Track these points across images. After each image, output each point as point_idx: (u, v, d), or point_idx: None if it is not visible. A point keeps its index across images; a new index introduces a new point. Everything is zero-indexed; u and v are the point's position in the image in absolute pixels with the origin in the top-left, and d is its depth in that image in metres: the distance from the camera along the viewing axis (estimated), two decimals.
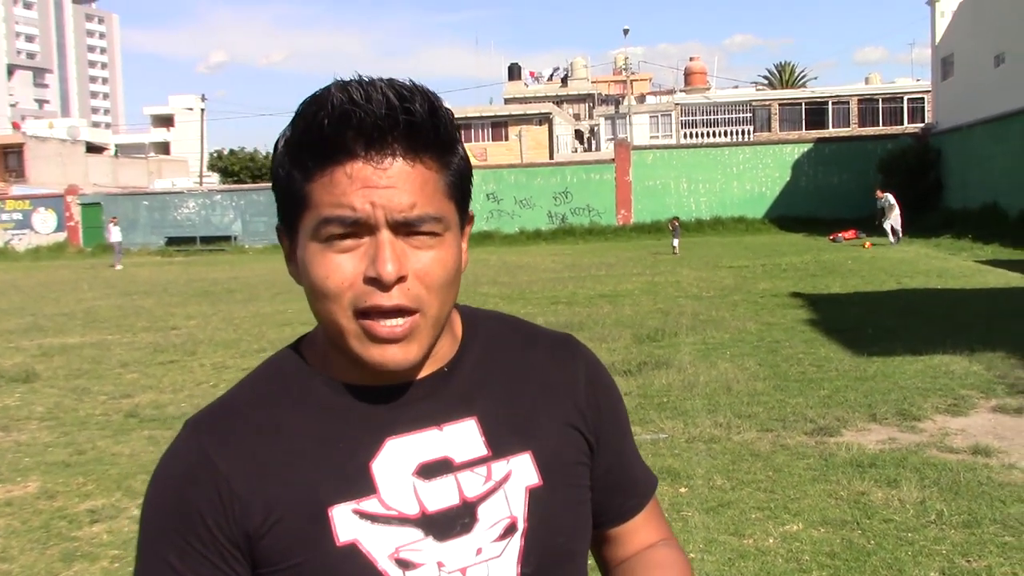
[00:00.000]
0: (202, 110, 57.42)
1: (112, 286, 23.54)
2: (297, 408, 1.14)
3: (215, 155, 50.70)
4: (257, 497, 1.08)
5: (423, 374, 1.15)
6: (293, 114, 1.08)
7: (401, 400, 1.13)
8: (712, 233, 34.57)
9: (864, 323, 11.40)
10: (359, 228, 1.04)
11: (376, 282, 1.03)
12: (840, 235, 27.92)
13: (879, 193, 27.24)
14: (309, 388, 1.15)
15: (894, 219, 26.00)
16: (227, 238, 39.95)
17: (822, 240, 28.07)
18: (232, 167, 48.44)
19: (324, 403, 1.14)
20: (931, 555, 4.52)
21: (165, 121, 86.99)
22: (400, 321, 1.05)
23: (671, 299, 15.08)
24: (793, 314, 12.76)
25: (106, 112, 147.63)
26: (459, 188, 1.11)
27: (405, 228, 1.04)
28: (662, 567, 1.26)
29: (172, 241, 40.17)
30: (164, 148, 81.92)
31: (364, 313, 1.05)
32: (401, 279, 1.04)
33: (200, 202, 40.88)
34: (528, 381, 1.22)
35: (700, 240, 31.67)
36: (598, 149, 52.90)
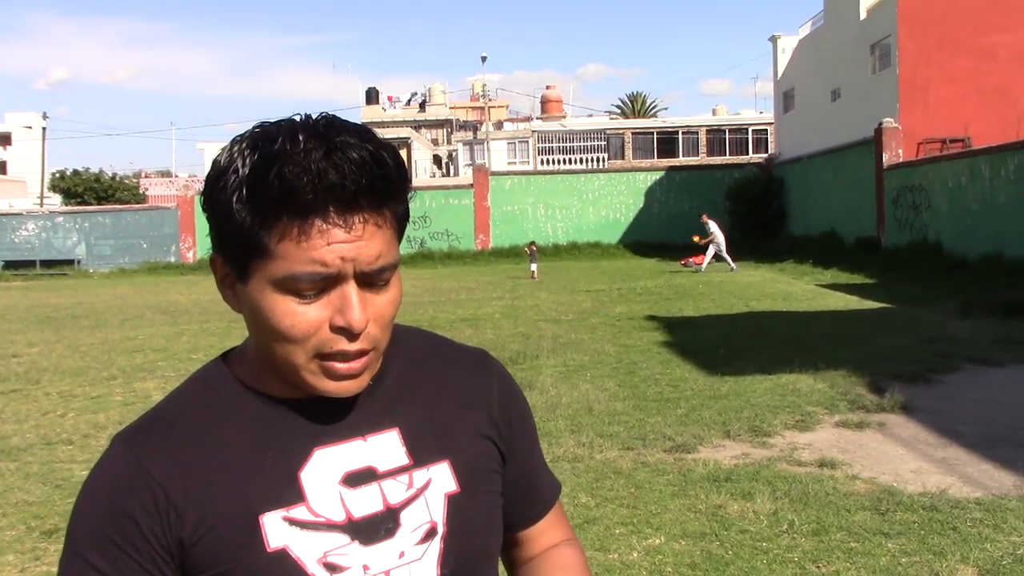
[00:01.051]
0: (43, 128, 54.93)
1: None
2: (227, 419, 1.17)
3: (57, 175, 48.38)
4: (191, 505, 1.11)
5: None
6: (245, 145, 1.07)
7: (328, 413, 1.18)
8: (569, 258, 35.23)
9: (716, 344, 11.84)
10: (327, 281, 1.07)
11: (344, 331, 1.09)
12: (691, 260, 28.80)
13: (704, 218, 27.36)
14: (240, 400, 1.19)
15: (719, 246, 26.00)
16: (70, 262, 38.24)
17: (674, 265, 28.98)
18: (75, 188, 46.33)
19: (254, 415, 1.17)
20: (784, 562, 4.75)
21: (2, 140, 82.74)
22: (358, 361, 1.11)
23: (531, 322, 15.29)
24: (649, 336, 13.14)
25: None
26: (403, 226, 1.17)
27: (367, 278, 1.10)
28: (563, 566, 1.35)
29: (9, 265, 38.21)
30: (0, 168, 77.87)
31: (327, 356, 1.10)
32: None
33: (40, 224, 39.02)
34: (446, 394, 1.29)
35: (557, 264, 32.22)
36: (456, 174, 53.19)
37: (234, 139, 1.10)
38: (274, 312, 1.08)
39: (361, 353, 1.11)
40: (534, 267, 26.09)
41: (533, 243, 28.59)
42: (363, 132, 1.10)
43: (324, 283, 1.07)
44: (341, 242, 1.05)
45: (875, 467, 6.44)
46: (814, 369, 9.66)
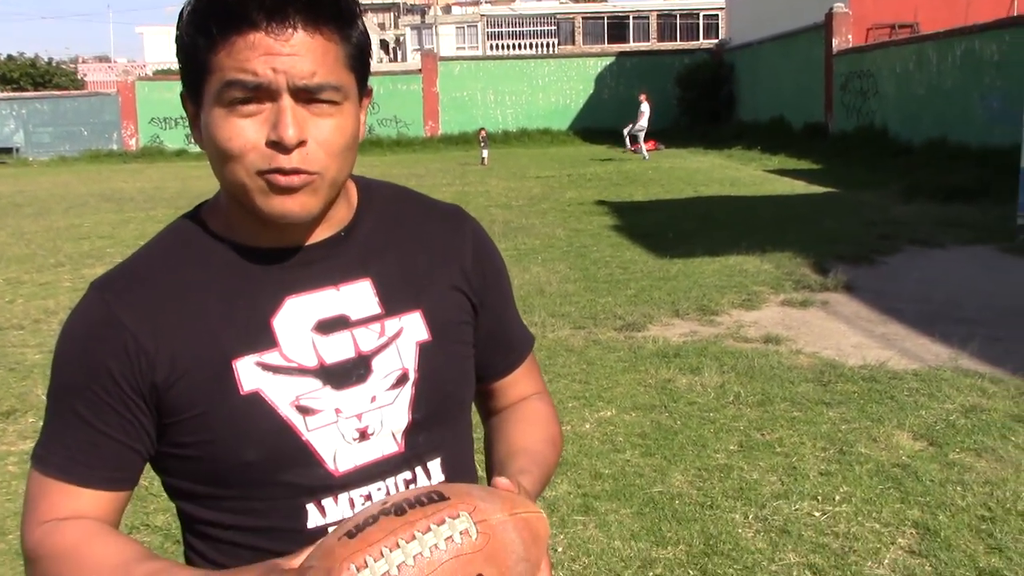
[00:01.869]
0: None
1: None
2: (200, 268, 1.20)
3: None
4: (163, 351, 1.15)
5: (321, 238, 1.23)
6: None
7: (300, 261, 1.21)
8: (519, 144, 34.96)
9: (665, 228, 11.97)
10: (261, 94, 1.09)
11: (277, 145, 1.09)
12: (641, 146, 28.76)
13: (642, 97, 26.59)
14: (212, 250, 1.21)
15: (638, 126, 25.49)
16: (8, 150, 37.01)
17: (618, 149, 28.95)
18: (11, 74, 44.65)
19: (227, 264, 1.20)
20: (730, 431, 4.95)
21: None
22: (297, 176, 1.11)
23: (482, 208, 15.28)
24: (599, 221, 13.24)
25: None
26: (358, 60, 1.16)
27: (306, 95, 1.10)
28: (532, 419, 1.41)
29: None
30: None
31: (266, 172, 1.11)
32: (301, 144, 1.10)
33: None
34: (420, 247, 1.31)
35: (507, 151, 31.99)
36: (404, 60, 52.15)
37: None
38: (216, 128, 1.11)
39: (298, 171, 1.10)
40: (485, 154, 25.90)
41: (483, 130, 28.31)
42: None
43: (258, 94, 1.09)
44: (272, 53, 1.07)
45: (818, 342, 6.65)
46: (760, 251, 9.85)
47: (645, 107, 25.89)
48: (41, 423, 1.21)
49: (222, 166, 1.13)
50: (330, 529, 1.08)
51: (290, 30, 1.08)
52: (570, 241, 11.53)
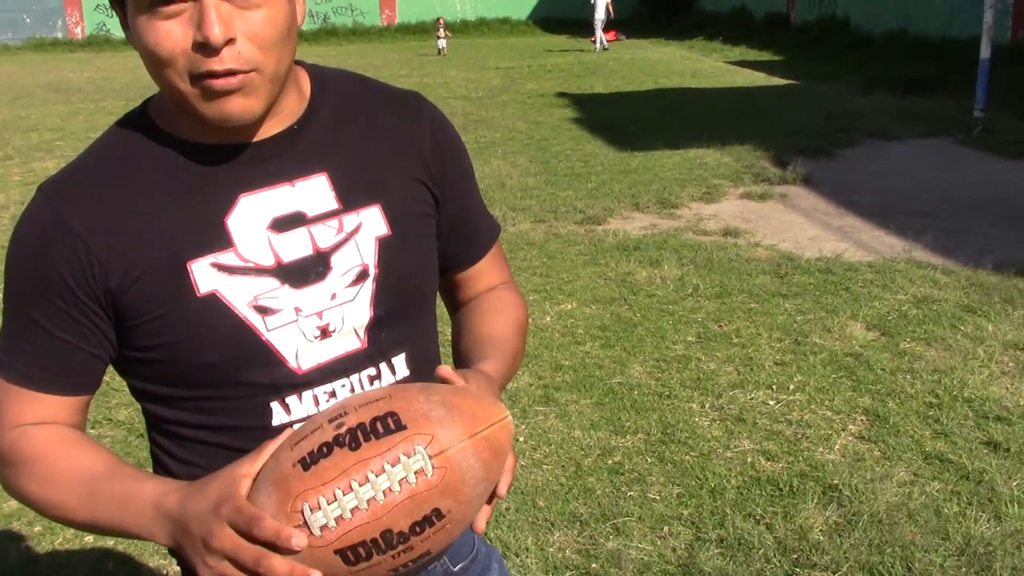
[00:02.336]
0: None
1: None
2: (150, 168, 1.16)
3: None
4: (116, 255, 1.12)
5: (273, 132, 1.18)
6: None
7: (253, 157, 1.17)
8: (477, 34, 34.29)
9: (626, 121, 11.90)
10: None
11: (204, 47, 1.03)
12: (603, 37, 28.34)
13: None
14: (160, 149, 1.17)
15: (596, 20, 24.75)
16: None
17: (584, 42, 28.52)
18: None
19: (176, 163, 1.16)
20: (689, 323, 5.03)
21: None
22: (233, 78, 1.06)
23: (441, 100, 15.05)
24: (560, 113, 13.11)
25: None
26: None
27: None
28: (498, 308, 1.41)
29: None
30: None
31: (199, 77, 1.06)
32: (230, 42, 1.04)
33: None
34: (377, 138, 1.27)
35: (465, 41, 31.39)
36: None
37: None
38: (142, 34, 1.06)
39: (233, 72, 1.05)
40: (442, 44, 25.37)
41: (441, 19, 27.69)
42: None
43: None
44: None
45: (776, 235, 6.72)
46: (721, 144, 9.84)
47: None
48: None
49: (155, 72, 1.08)
50: (296, 426, 1.08)
51: None
52: (530, 134, 11.43)
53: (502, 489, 1.05)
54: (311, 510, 0.94)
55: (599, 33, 25.16)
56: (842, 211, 7.37)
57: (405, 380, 1.27)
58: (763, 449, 3.66)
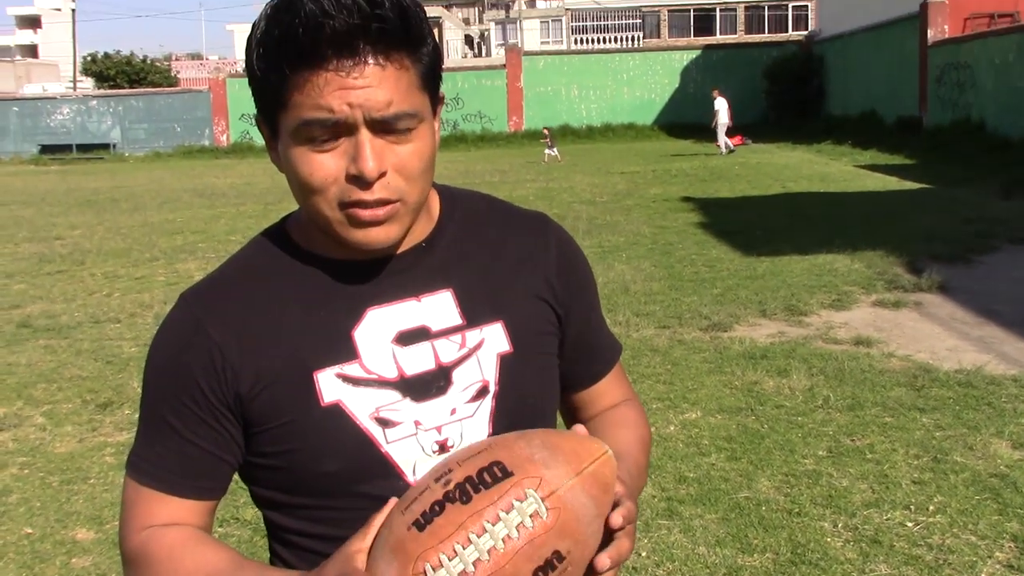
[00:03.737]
0: (72, 10, 54.44)
1: None
2: (284, 281, 1.22)
3: (89, 59, 48.06)
4: (247, 363, 1.17)
5: (402, 249, 1.23)
6: (267, 5, 1.10)
7: (382, 273, 1.21)
8: (602, 140, 34.84)
9: (752, 225, 11.79)
10: (338, 128, 1.08)
11: (358, 180, 1.09)
12: (728, 141, 28.36)
13: (714, 94, 26.37)
14: (295, 263, 1.23)
15: (719, 124, 25.37)
16: (105, 146, 38.28)
17: (710, 146, 28.61)
18: (108, 71, 46.10)
19: (310, 276, 1.21)
20: (819, 436, 4.85)
21: (31, 22, 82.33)
22: (381, 209, 1.12)
23: (566, 204, 15.26)
24: (685, 217, 13.10)
25: None
26: (431, 78, 1.15)
27: (383, 126, 1.09)
28: (622, 424, 1.38)
29: (46, 149, 38.27)
30: (32, 51, 77.56)
31: (348, 205, 1.11)
32: (382, 175, 1.09)
33: (75, 108, 38.96)
34: (502, 255, 1.30)
35: (591, 147, 31.91)
36: (489, 55, 52.36)
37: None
38: (296, 163, 1.11)
39: (381, 202, 1.11)
40: (554, 152, 25.42)
41: (546, 128, 28.15)
42: None
43: (336, 130, 1.08)
44: (346, 88, 1.06)
45: (911, 345, 6.47)
46: (851, 249, 9.62)
47: (718, 103, 25.48)
48: (137, 415, 1.25)
49: (304, 198, 1.14)
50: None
51: (362, 63, 1.06)
52: (655, 238, 11.42)
53: (615, 520, 1.03)
54: (433, 569, 0.94)
55: (722, 137, 25.29)
56: (982, 321, 7.06)
57: None
58: (902, 574, 3.46)
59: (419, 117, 1.12)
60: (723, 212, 13.37)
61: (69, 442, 5.28)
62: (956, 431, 4.81)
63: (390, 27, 1.07)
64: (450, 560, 0.94)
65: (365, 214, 1.11)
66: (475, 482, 0.97)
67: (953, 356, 6.18)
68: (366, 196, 1.10)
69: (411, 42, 1.10)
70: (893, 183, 16.32)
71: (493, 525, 0.95)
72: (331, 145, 1.09)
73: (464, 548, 0.94)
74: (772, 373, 5.88)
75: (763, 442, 4.80)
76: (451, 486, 0.98)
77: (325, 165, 1.09)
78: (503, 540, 0.94)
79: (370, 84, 1.07)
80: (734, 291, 8.23)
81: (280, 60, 1.07)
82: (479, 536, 0.94)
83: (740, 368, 6.01)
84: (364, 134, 1.08)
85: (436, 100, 1.19)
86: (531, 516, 0.95)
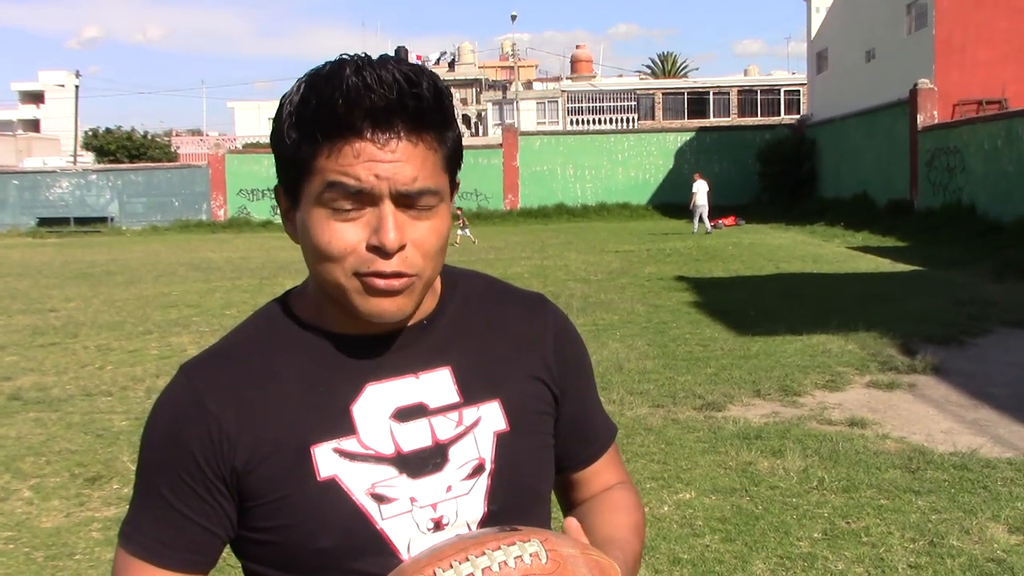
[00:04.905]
0: (76, 86, 55.23)
1: None
2: (285, 354, 1.22)
3: (90, 133, 48.59)
4: (245, 436, 1.17)
5: (404, 326, 1.24)
6: (303, 77, 1.13)
7: (382, 349, 1.22)
8: (597, 219, 35.15)
9: (746, 305, 11.83)
10: (362, 198, 1.10)
11: (379, 250, 1.11)
12: (720, 221, 28.64)
13: (695, 177, 27.04)
14: (297, 336, 1.24)
15: (696, 206, 26.01)
16: (103, 219, 38.50)
17: (702, 226, 28.87)
18: (108, 146, 46.54)
19: (310, 350, 1.22)
20: (814, 518, 4.80)
21: (35, 97, 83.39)
22: (397, 280, 1.13)
23: (560, 282, 15.33)
24: (679, 296, 13.14)
25: None
26: (453, 160, 1.19)
27: (406, 200, 1.12)
28: (617, 508, 1.38)
29: (44, 222, 38.47)
30: (34, 126, 78.48)
31: (365, 274, 1.13)
32: (401, 247, 1.12)
33: (74, 182, 39.27)
34: (500, 335, 1.31)
35: (586, 225, 32.18)
36: (486, 134, 53.06)
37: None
38: (316, 229, 1.12)
39: (398, 275, 1.12)
40: (467, 232, 25.77)
41: (459, 209, 28.54)
42: (404, 60, 1.13)
43: (360, 200, 1.10)
44: (376, 160, 1.09)
45: (905, 427, 6.46)
46: (845, 330, 9.65)
47: (697, 185, 26.00)
48: (126, 490, 1.24)
49: (318, 264, 1.15)
50: None
51: (395, 140, 1.10)
52: (649, 317, 11.45)
53: None
54: None
55: (696, 220, 25.73)
56: (976, 403, 7.05)
57: None
58: None
59: (440, 196, 1.15)
60: (717, 292, 13.43)
61: (56, 517, 5.21)
62: (952, 514, 4.77)
63: (426, 107, 1.10)
64: (444, 572, 0.96)
65: (381, 283, 1.12)
66: (485, 532, 1.02)
67: (948, 438, 6.16)
68: (384, 268, 1.11)
69: (441, 124, 1.14)
70: (886, 265, 16.43)
71: (493, 551, 0.96)
72: (354, 215, 1.11)
73: (460, 564, 0.96)
74: (766, 453, 5.85)
75: (758, 523, 4.75)
76: (464, 534, 1.05)
77: (346, 234, 1.11)
78: (499, 565, 0.96)
79: (399, 159, 1.09)
80: (728, 370, 8.23)
81: (314, 128, 1.09)
82: (478, 557, 0.96)
83: (734, 448, 5.98)
84: (388, 206, 1.10)
85: (454, 184, 1.22)
86: (531, 555, 0.97)
